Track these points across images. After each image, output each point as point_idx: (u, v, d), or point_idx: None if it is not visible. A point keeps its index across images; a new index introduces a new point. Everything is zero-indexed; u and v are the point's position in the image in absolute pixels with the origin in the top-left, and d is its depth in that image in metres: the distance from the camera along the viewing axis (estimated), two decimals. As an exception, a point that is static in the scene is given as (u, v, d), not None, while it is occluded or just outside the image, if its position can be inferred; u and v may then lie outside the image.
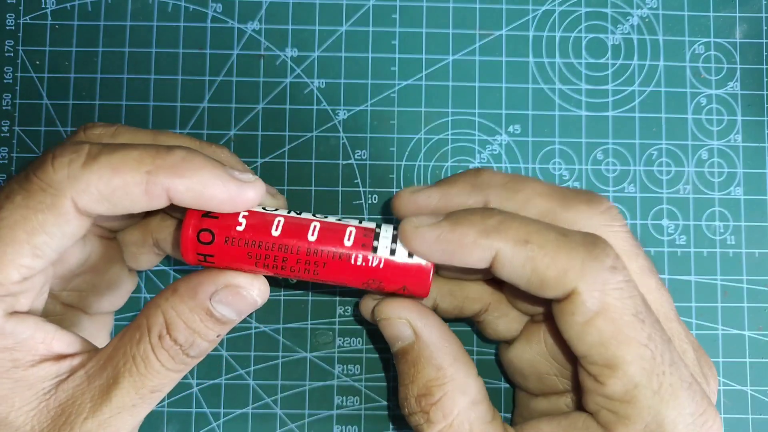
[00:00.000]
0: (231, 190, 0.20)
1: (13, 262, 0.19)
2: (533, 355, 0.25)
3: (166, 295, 0.20)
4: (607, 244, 0.21)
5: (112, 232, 0.26)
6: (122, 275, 0.26)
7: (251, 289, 0.21)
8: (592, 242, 0.20)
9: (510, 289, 0.25)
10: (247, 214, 0.21)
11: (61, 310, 0.25)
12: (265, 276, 0.22)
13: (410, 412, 0.22)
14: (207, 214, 0.21)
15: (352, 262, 0.21)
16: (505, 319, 0.26)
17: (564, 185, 0.31)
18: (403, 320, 0.22)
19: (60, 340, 0.20)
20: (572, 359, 0.23)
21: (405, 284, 0.22)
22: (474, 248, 0.20)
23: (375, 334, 0.30)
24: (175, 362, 0.20)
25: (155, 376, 0.20)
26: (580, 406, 0.22)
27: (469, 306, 0.26)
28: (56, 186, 0.19)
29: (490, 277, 0.25)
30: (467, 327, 0.30)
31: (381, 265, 0.21)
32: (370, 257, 0.21)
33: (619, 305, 0.20)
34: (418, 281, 0.22)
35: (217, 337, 0.21)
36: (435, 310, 0.26)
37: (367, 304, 0.25)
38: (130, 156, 0.19)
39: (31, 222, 0.19)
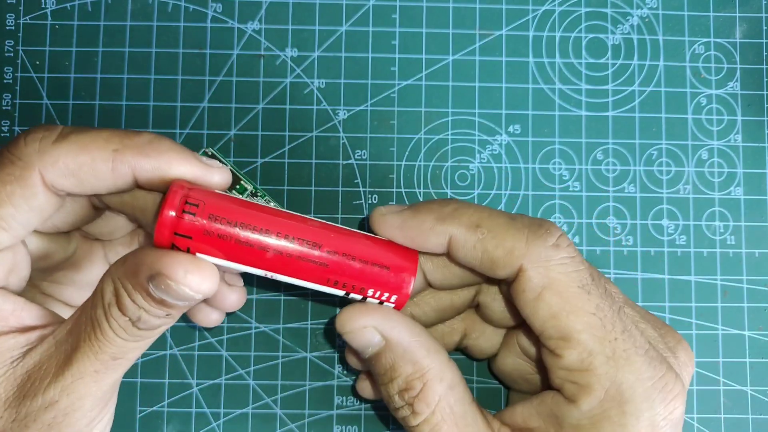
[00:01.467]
0: (197, 172, 0.21)
1: None
2: (514, 359, 0.27)
3: (117, 264, 0.20)
4: (552, 224, 0.22)
5: (97, 237, 0.26)
6: None
7: (182, 284, 0.19)
8: (538, 224, 0.22)
9: (486, 307, 0.26)
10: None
11: (40, 300, 0.25)
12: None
13: (395, 408, 0.23)
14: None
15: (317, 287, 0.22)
16: (483, 338, 0.28)
17: (564, 185, 0.31)
18: (369, 328, 0.23)
19: (29, 312, 0.21)
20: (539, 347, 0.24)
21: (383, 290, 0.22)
22: (431, 233, 0.22)
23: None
24: (128, 333, 0.20)
25: (112, 344, 0.20)
26: (547, 385, 0.23)
27: (449, 339, 0.27)
28: (25, 159, 0.20)
29: (473, 282, 0.25)
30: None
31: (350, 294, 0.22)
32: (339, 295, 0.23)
33: (563, 279, 0.21)
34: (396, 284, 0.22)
35: (167, 316, 0.20)
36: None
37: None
38: (100, 136, 0.20)
39: None
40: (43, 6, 0.31)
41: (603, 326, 0.21)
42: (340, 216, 0.30)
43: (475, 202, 0.31)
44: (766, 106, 0.32)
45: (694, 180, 0.31)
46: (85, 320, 0.20)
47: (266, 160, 0.31)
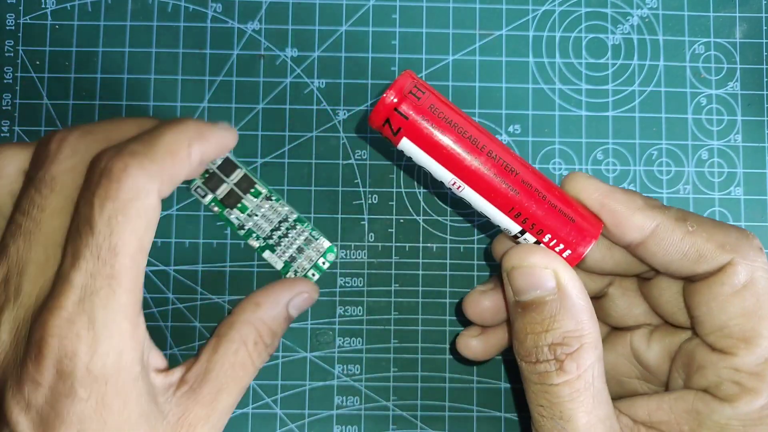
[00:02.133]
0: (234, 134, 0.24)
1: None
2: (616, 357, 0.26)
3: (252, 310, 0.24)
4: (752, 233, 0.23)
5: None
6: None
7: (313, 293, 0.26)
8: (741, 228, 0.23)
9: (611, 300, 0.27)
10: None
11: None
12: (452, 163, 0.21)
13: (539, 360, 0.22)
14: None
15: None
16: (625, 299, 0.27)
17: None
18: (550, 270, 0.22)
19: (156, 353, 0.22)
20: (666, 356, 0.25)
21: (570, 237, 0.22)
22: (638, 213, 0.22)
23: (375, 334, 0.30)
24: (263, 359, 0.24)
25: (252, 376, 0.24)
26: (677, 384, 0.24)
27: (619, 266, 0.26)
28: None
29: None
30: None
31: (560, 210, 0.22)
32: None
33: (764, 282, 0.22)
34: (582, 237, 0.22)
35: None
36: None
37: (503, 245, 0.24)
38: (178, 138, 0.22)
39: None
40: (43, 6, 0.31)
41: None
42: (340, 216, 0.30)
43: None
44: (766, 106, 0.32)
45: (694, 180, 0.31)
46: (223, 365, 0.23)
47: (266, 160, 0.31)
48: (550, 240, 0.22)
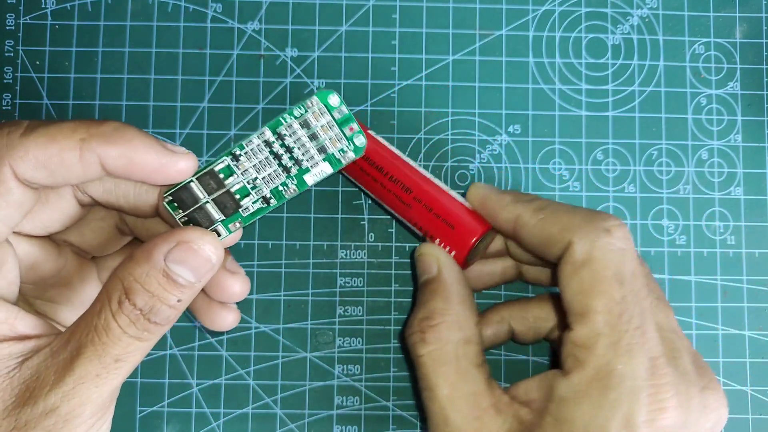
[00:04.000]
0: (162, 158, 0.21)
1: None
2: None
3: (124, 263, 0.20)
4: (614, 217, 0.24)
5: (89, 253, 0.26)
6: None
7: (202, 243, 0.21)
8: (596, 212, 0.24)
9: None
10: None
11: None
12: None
13: (410, 333, 0.25)
14: None
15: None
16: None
17: (564, 185, 0.31)
18: (434, 258, 0.26)
19: (24, 321, 0.21)
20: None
21: (447, 243, 0.27)
22: (503, 210, 0.25)
23: (375, 334, 0.30)
24: (137, 327, 0.20)
25: (117, 344, 0.20)
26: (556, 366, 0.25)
27: (542, 325, 0.28)
28: None
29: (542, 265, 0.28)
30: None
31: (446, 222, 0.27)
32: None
33: (602, 261, 0.23)
34: (460, 243, 0.27)
35: (179, 302, 0.21)
36: (513, 334, 0.29)
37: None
38: (66, 126, 0.20)
39: None
40: (43, 6, 0.31)
41: (620, 315, 0.22)
42: (339, 216, 0.30)
43: (475, 202, 0.31)
44: (766, 106, 0.32)
45: (694, 180, 0.31)
46: (85, 326, 0.20)
47: (266, 160, 0.31)
48: (440, 242, 0.27)
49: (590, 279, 0.23)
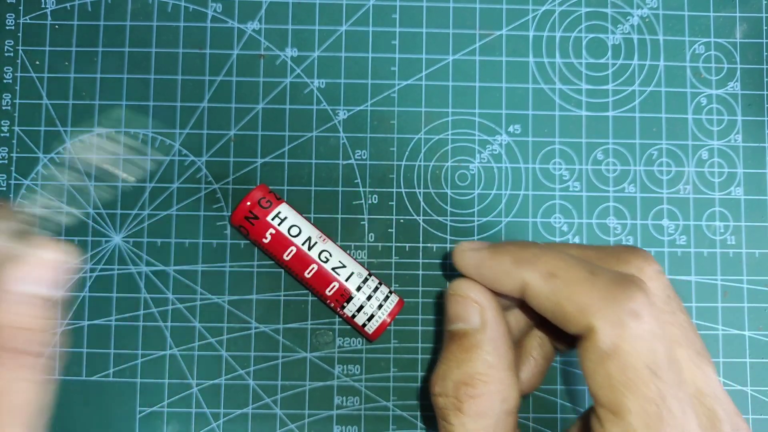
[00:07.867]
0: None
1: None
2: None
3: None
4: (639, 287, 0.20)
5: None
6: None
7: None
8: (619, 283, 0.20)
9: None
10: (273, 232, 0.28)
11: None
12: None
13: (441, 394, 0.22)
14: (248, 217, 0.28)
15: (328, 303, 0.29)
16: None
17: (564, 185, 0.31)
18: (477, 306, 0.22)
19: None
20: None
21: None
22: (506, 277, 0.21)
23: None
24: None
25: None
26: None
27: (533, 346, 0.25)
28: None
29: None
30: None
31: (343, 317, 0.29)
32: (339, 309, 0.29)
33: (632, 353, 0.19)
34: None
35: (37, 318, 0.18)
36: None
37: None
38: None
39: None
40: (43, 6, 0.31)
41: (659, 416, 0.19)
42: (340, 216, 0.30)
43: (475, 203, 0.31)
44: (766, 106, 0.32)
45: (694, 180, 0.31)
46: None
47: (266, 160, 0.31)
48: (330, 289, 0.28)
49: (619, 374, 0.19)
